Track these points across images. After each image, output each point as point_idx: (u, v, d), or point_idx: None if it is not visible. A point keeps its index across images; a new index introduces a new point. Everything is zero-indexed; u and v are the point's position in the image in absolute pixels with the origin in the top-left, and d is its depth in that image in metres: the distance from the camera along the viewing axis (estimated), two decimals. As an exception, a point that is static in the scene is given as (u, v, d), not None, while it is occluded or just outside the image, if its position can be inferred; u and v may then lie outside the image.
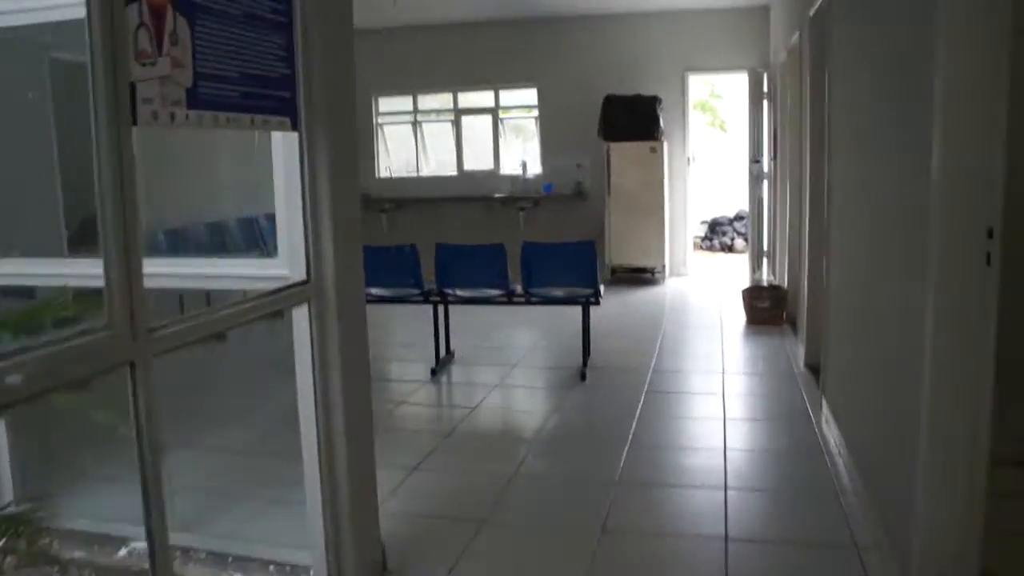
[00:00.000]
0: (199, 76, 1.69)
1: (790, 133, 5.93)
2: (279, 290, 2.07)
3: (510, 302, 4.87)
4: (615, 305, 7.07)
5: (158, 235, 2.47)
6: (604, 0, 7.99)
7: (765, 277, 8.08)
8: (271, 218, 2.19)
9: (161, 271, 2.37)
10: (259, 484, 2.78)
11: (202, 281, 2.35)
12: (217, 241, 2.64)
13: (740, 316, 6.41)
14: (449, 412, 4.35)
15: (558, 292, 4.84)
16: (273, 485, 2.69)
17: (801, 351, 5.05)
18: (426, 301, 4.95)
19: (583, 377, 4.77)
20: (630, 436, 3.77)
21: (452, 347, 5.31)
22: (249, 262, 2.39)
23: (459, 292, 4.94)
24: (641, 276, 8.42)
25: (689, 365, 5.19)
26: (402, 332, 6.07)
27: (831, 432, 3.67)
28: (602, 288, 4.83)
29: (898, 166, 2.46)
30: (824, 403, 4.01)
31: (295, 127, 2.08)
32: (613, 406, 4.31)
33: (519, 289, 4.81)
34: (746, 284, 7.89)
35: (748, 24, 8.24)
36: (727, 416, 4.05)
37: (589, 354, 5.06)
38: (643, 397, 4.38)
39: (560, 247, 4.71)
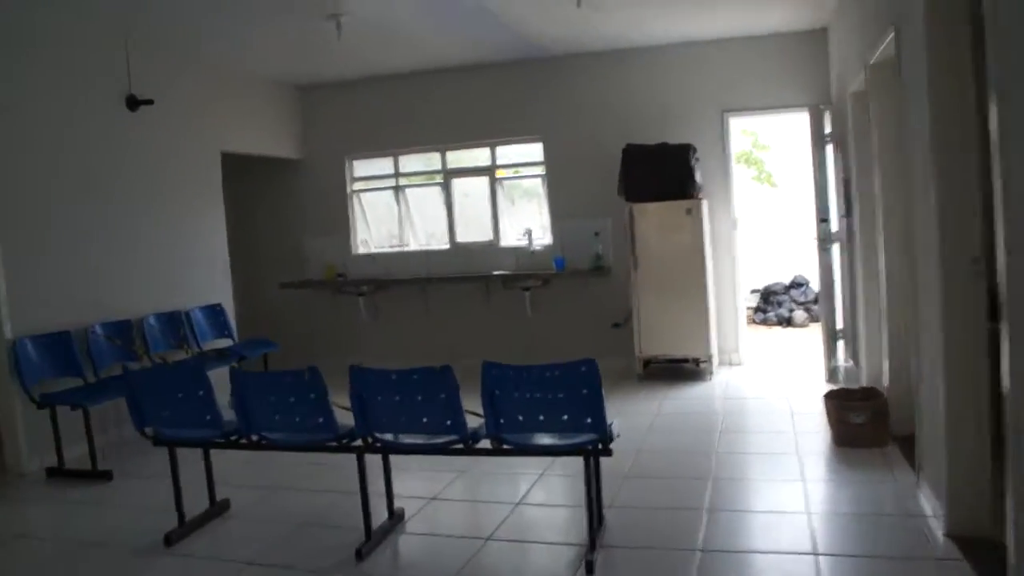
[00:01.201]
0: None
1: (881, 177, 4.21)
2: None
3: (470, 452, 3.14)
4: (646, 418, 5.26)
5: None
6: (619, 33, 6.43)
7: (841, 363, 6.25)
8: None
9: None
10: None
11: None
12: None
13: (819, 426, 4.61)
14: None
15: (544, 438, 3.10)
16: None
17: (935, 505, 3.22)
18: (342, 449, 3.26)
19: (589, 569, 2.98)
20: None
21: (398, 505, 3.60)
22: None
23: (400, 437, 3.25)
24: (682, 368, 6.61)
25: (756, 535, 3.34)
26: (348, 476, 4.30)
27: None
28: (615, 425, 3.07)
29: None
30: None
31: None
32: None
33: (484, 432, 3.09)
34: (822, 377, 6.07)
35: (800, 53, 6.59)
36: None
37: (601, 524, 3.30)
38: (687, 623, 2.58)
39: (543, 370, 2.94)
